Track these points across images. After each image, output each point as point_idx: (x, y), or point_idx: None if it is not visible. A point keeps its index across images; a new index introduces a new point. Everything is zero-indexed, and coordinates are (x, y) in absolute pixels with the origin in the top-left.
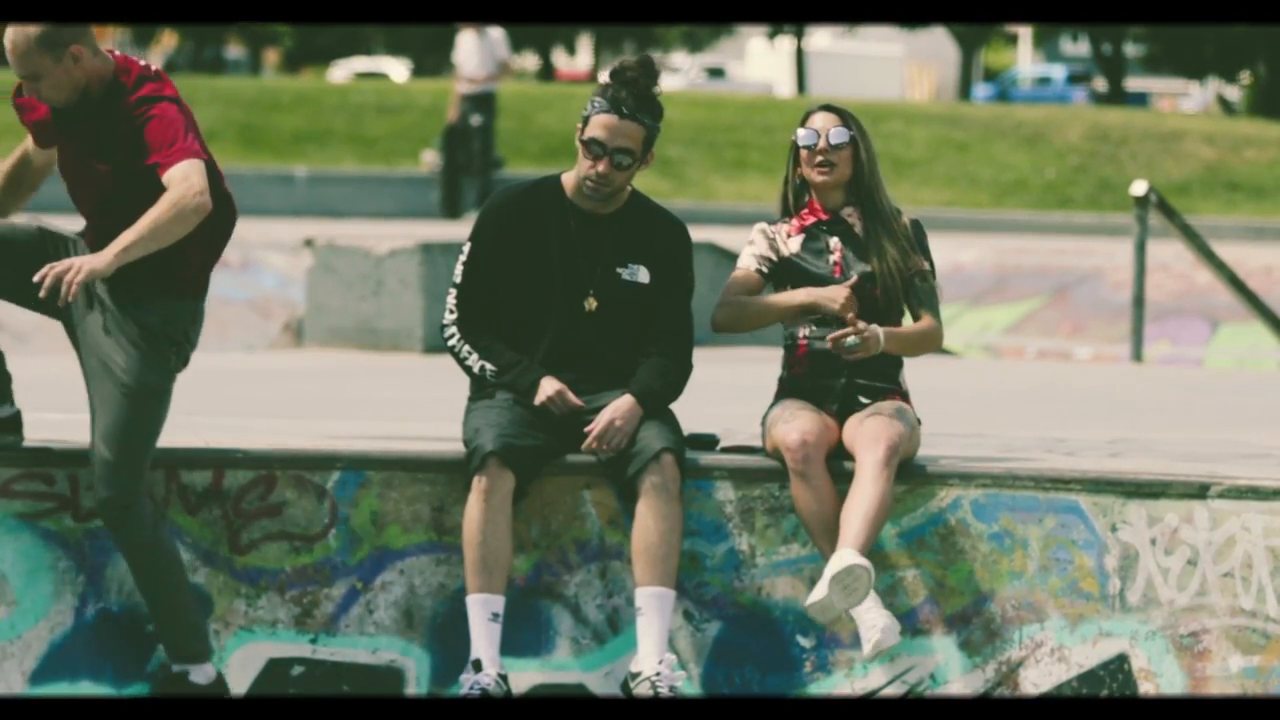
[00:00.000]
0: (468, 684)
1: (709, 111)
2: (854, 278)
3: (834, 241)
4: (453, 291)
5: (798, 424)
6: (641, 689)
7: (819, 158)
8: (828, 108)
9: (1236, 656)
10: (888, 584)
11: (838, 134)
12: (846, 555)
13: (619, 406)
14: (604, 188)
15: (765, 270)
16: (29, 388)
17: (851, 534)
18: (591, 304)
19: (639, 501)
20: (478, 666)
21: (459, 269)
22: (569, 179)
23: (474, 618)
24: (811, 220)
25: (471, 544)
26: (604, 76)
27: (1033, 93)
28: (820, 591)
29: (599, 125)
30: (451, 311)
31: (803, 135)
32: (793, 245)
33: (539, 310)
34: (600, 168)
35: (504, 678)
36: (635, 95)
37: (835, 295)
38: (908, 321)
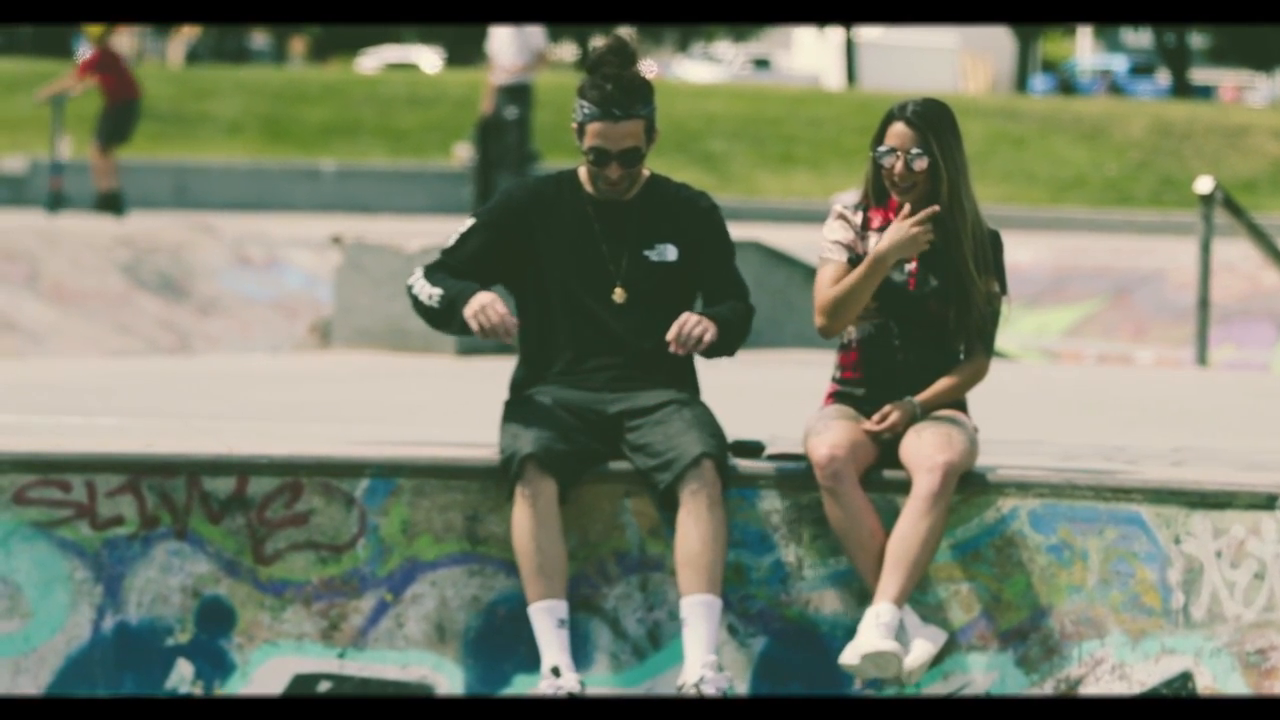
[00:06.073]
0: (552, 689)
1: (754, 104)
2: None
3: None
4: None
5: (828, 436)
6: (688, 695)
7: (896, 178)
8: (907, 118)
9: None
10: (941, 598)
11: (916, 157)
12: (878, 631)
13: (690, 314)
14: (621, 185)
15: (852, 260)
16: (44, 392)
17: (893, 583)
18: (620, 295)
19: (679, 510)
20: (556, 673)
21: (453, 237)
22: (585, 172)
23: (540, 626)
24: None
25: (524, 552)
26: (586, 70)
27: (1095, 85)
28: (853, 659)
29: (596, 134)
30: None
31: (881, 154)
32: (873, 243)
33: (566, 306)
34: (612, 174)
35: (582, 684)
36: (623, 90)
37: (907, 235)
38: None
